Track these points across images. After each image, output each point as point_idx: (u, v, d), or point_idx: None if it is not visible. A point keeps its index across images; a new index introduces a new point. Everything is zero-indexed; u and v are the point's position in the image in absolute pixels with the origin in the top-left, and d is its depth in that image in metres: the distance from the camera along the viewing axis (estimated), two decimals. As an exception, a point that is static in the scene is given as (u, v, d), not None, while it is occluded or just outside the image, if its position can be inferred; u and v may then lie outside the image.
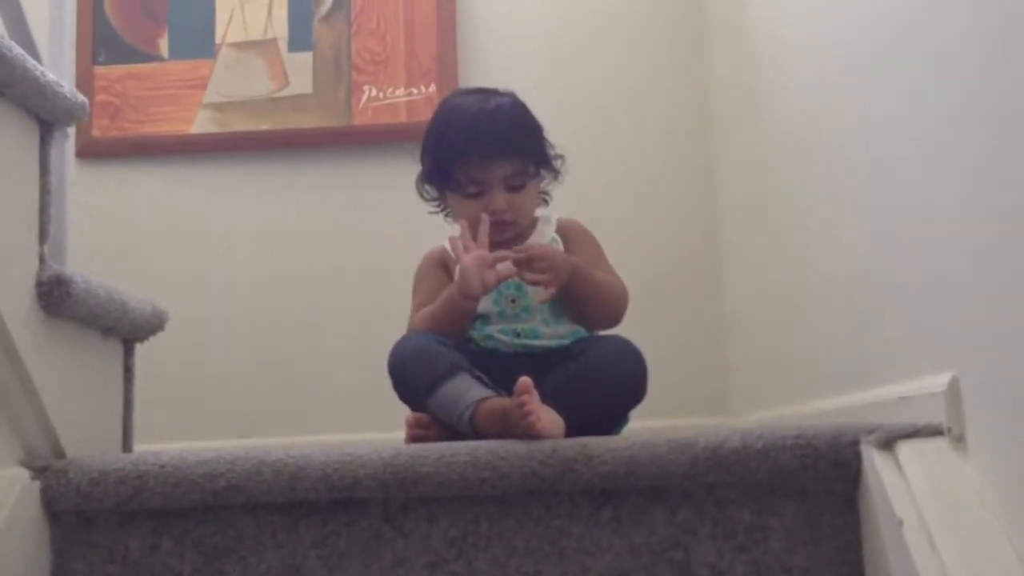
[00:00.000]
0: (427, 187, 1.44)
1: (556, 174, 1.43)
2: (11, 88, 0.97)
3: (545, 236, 1.39)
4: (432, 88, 2.22)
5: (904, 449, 0.87)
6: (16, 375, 0.95)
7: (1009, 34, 0.77)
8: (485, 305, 1.34)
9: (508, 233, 1.37)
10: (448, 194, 1.40)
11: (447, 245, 1.38)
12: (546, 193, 1.45)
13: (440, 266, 1.40)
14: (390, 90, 2.24)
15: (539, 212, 1.44)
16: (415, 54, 2.25)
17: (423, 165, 1.42)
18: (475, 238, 1.29)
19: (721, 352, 2.13)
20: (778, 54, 1.63)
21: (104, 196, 2.21)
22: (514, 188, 1.35)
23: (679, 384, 2.04)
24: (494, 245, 1.31)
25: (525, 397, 1.04)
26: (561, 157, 1.43)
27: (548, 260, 1.26)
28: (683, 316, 2.16)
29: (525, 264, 1.25)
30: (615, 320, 1.36)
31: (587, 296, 1.31)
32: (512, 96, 1.41)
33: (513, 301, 1.35)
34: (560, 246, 1.39)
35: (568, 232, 1.41)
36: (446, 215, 1.46)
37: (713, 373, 2.13)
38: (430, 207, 1.46)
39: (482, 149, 1.33)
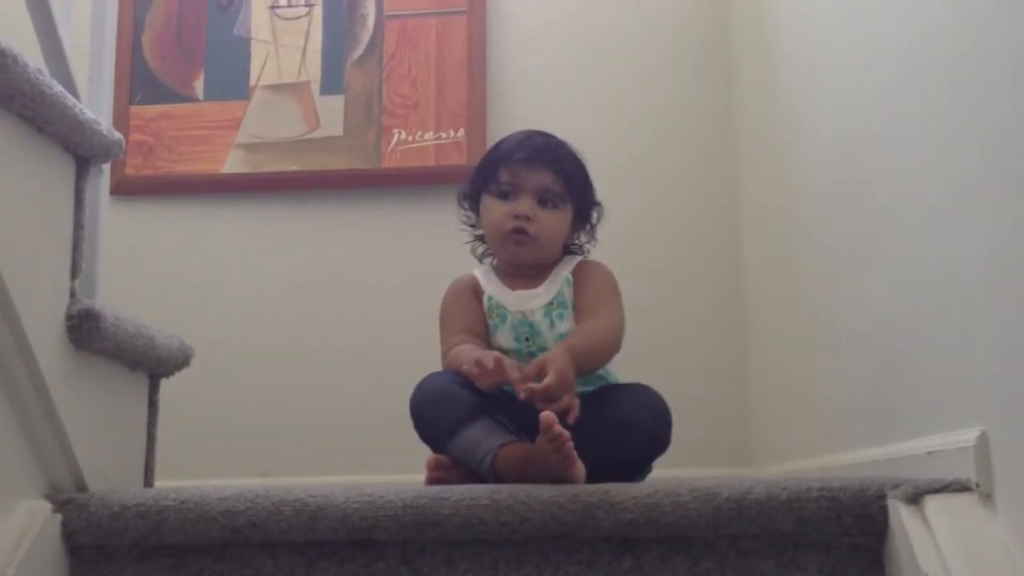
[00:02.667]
0: (466, 200, 1.46)
1: (590, 223, 1.45)
2: (50, 124, 1.00)
3: (560, 275, 1.40)
4: (461, 132, 2.25)
5: (931, 504, 0.86)
6: (43, 407, 0.96)
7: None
8: (506, 342, 1.36)
9: (527, 252, 1.38)
10: (483, 198, 1.42)
11: (476, 273, 1.42)
12: (579, 244, 1.46)
13: (469, 291, 1.41)
14: (419, 134, 2.27)
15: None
16: (445, 99, 2.28)
17: (471, 177, 1.46)
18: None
19: (744, 403, 2.11)
20: (808, 98, 1.63)
21: (136, 233, 2.24)
22: (545, 204, 1.38)
23: (701, 435, 2.02)
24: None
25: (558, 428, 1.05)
26: (599, 205, 1.45)
27: (558, 388, 1.13)
28: (705, 366, 2.14)
29: (541, 400, 1.13)
30: (611, 356, 1.33)
31: (591, 363, 1.28)
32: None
33: (527, 340, 1.36)
34: (572, 286, 1.39)
35: (581, 273, 1.41)
36: (478, 251, 1.48)
37: (735, 424, 2.11)
38: (462, 234, 1.48)
39: (528, 152, 1.38)
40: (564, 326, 1.35)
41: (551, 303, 1.37)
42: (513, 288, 1.40)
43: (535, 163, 1.38)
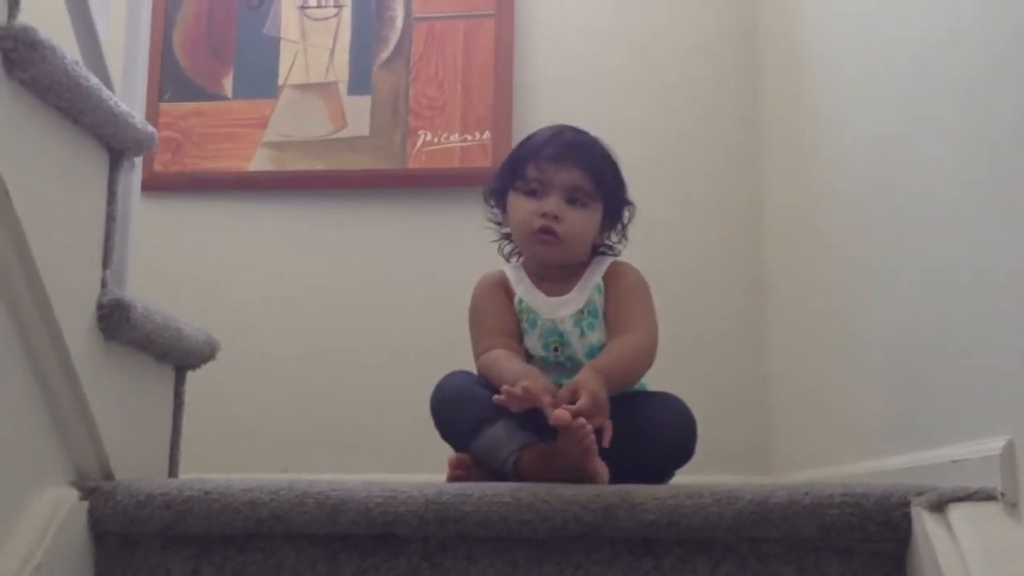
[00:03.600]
0: (492, 198, 1.42)
1: (622, 223, 1.42)
2: (85, 116, 1.01)
3: (591, 280, 1.36)
4: (487, 135, 2.25)
5: (956, 513, 0.86)
6: (73, 395, 0.97)
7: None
8: (535, 349, 1.35)
9: (554, 252, 1.34)
10: (511, 195, 1.38)
11: (505, 270, 1.40)
12: (609, 245, 1.42)
13: (500, 288, 1.38)
14: (445, 136, 2.28)
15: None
16: (471, 101, 2.29)
17: (498, 173, 1.42)
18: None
19: (765, 409, 2.10)
20: (833, 104, 1.63)
21: (163, 228, 2.26)
22: (574, 202, 1.33)
23: (721, 441, 2.00)
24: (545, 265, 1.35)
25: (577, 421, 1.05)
26: (631, 204, 1.42)
27: (591, 410, 1.11)
28: (727, 371, 2.14)
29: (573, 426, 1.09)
30: (644, 373, 1.31)
31: (623, 382, 1.25)
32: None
33: (556, 349, 1.34)
34: (603, 294, 1.36)
35: (611, 278, 1.36)
36: (505, 251, 1.46)
37: (756, 431, 2.10)
38: (486, 237, 1.46)
39: (558, 148, 1.34)
40: (595, 336, 1.33)
41: (581, 311, 1.34)
42: (543, 290, 1.36)
43: (565, 160, 1.33)
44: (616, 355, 1.25)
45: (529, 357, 1.35)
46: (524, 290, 1.37)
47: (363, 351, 2.22)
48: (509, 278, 1.39)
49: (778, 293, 2.07)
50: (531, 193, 1.35)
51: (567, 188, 1.33)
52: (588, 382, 1.14)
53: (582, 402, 1.10)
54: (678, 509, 0.93)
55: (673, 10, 2.31)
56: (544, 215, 1.32)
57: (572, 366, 1.33)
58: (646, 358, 1.29)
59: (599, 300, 1.35)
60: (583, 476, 1.08)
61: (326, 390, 2.20)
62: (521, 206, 1.35)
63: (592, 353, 1.32)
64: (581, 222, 1.34)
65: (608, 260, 1.40)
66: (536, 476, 1.14)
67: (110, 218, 1.07)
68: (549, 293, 1.36)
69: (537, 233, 1.33)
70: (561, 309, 1.35)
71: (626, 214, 1.42)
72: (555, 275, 1.37)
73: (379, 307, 2.24)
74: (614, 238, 1.43)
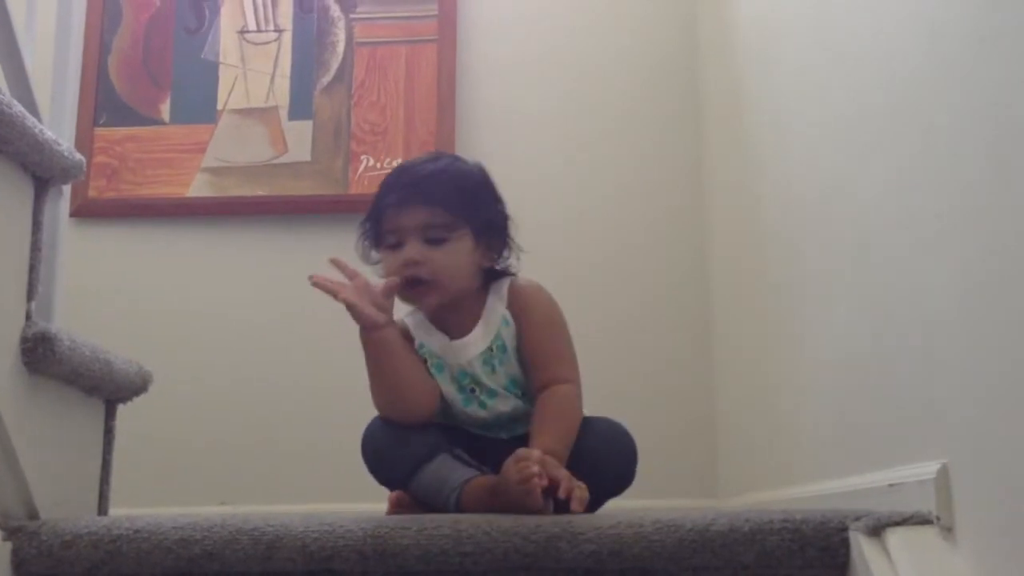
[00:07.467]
0: (367, 255, 1.35)
1: (502, 236, 1.32)
2: (9, 144, 0.98)
3: (495, 314, 1.29)
4: (429, 160, 2.24)
5: (893, 537, 0.86)
6: (-6, 432, 0.93)
7: (1009, 125, 0.78)
8: (449, 392, 1.29)
9: (432, 297, 1.27)
10: (381, 252, 1.31)
11: (405, 319, 1.33)
12: (502, 270, 1.34)
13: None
14: (387, 160, 2.27)
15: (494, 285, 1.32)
16: (414, 127, 2.28)
17: (364, 233, 1.35)
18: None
19: (710, 435, 2.12)
20: (773, 140, 1.65)
21: (98, 256, 2.21)
22: (433, 241, 1.26)
23: (667, 466, 2.02)
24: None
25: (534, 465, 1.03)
26: (503, 215, 1.33)
27: (570, 482, 1.09)
28: (673, 398, 2.15)
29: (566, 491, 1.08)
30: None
31: (570, 444, 1.21)
32: (463, 160, 1.34)
33: (473, 390, 1.29)
34: (511, 326, 1.28)
35: (518, 307, 1.29)
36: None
37: (701, 456, 2.11)
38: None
39: (400, 194, 1.27)
40: (506, 370, 1.28)
41: (489, 349, 1.28)
42: (446, 332, 1.30)
43: (407, 203, 1.26)
44: (561, 433, 1.20)
45: (444, 401, 1.29)
46: (424, 335, 1.31)
47: (303, 379, 2.19)
48: (408, 325, 1.33)
49: (723, 325, 2.09)
50: (394, 246, 1.28)
51: (419, 230, 1.26)
52: (550, 463, 1.10)
53: (565, 484, 1.07)
54: (619, 539, 0.92)
55: (617, 43, 2.33)
56: (405, 264, 1.26)
57: (495, 402, 1.29)
58: (578, 404, 1.26)
59: (507, 333, 1.28)
60: (528, 512, 1.05)
61: (264, 420, 2.16)
62: (387, 261, 1.29)
63: (511, 383, 1.28)
64: (447, 257, 1.26)
65: (506, 283, 1.32)
66: (481, 509, 1.12)
67: (35, 248, 1.03)
68: (452, 335, 1.30)
69: (407, 286, 1.27)
70: (466, 351, 1.28)
71: (505, 225, 1.33)
72: (452, 312, 1.30)
73: (319, 335, 2.20)
74: (504, 254, 1.34)
